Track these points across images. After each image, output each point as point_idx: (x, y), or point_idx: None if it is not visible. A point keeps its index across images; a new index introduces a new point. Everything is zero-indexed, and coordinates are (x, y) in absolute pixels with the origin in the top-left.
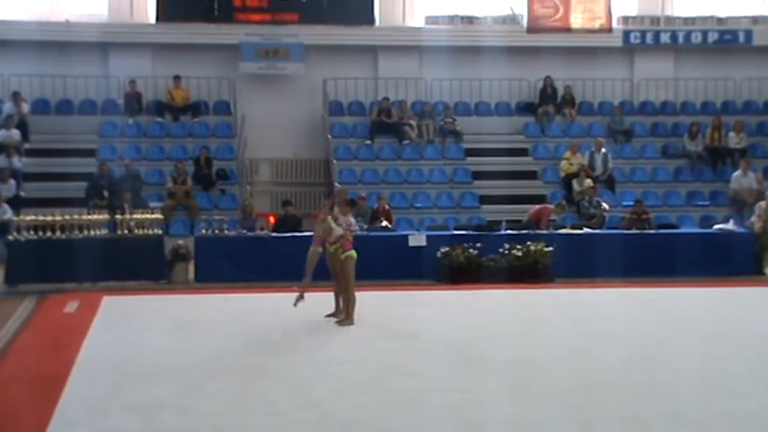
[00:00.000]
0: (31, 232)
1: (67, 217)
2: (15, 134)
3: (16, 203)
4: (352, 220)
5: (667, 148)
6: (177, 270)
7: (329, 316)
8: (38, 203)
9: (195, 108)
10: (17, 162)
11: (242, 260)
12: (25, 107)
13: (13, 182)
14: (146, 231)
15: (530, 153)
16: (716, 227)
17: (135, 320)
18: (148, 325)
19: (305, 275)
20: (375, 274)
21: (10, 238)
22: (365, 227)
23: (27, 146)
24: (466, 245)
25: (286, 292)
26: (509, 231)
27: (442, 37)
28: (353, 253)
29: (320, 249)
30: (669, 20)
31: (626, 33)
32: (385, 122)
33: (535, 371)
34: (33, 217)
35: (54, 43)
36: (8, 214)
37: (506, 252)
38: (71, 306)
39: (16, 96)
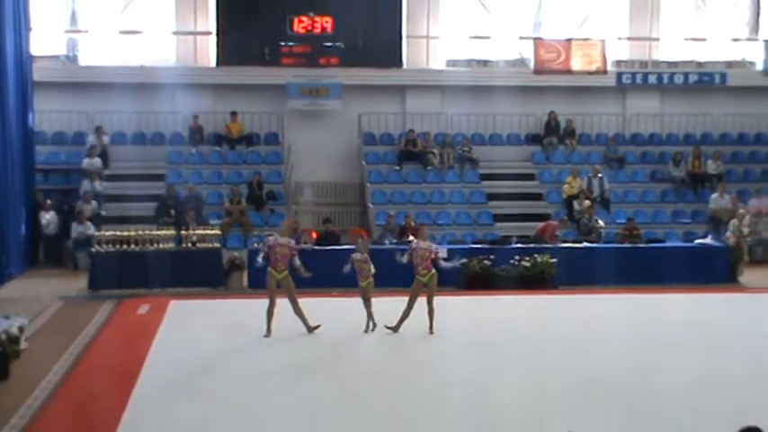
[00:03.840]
0: (110, 245)
1: (140, 232)
2: (97, 162)
3: (98, 221)
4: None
5: (655, 173)
6: (233, 278)
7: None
8: (116, 221)
9: (249, 139)
10: (98, 186)
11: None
12: (106, 139)
13: (95, 203)
14: (206, 245)
15: (536, 177)
16: (697, 241)
17: (197, 321)
18: (209, 325)
19: None
20: (402, 283)
21: (92, 250)
22: (394, 241)
23: (107, 172)
24: (481, 257)
25: (326, 297)
26: (519, 245)
27: (461, 78)
28: (434, 271)
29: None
30: (656, 63)
31: (619, 75)
32: (411, 151)
33: (542, 367)
34: (112, 232)
35: (130, 84)
36: (91, 230)
37: (516, 263)
38: (143, 309)
39: (98, 130)
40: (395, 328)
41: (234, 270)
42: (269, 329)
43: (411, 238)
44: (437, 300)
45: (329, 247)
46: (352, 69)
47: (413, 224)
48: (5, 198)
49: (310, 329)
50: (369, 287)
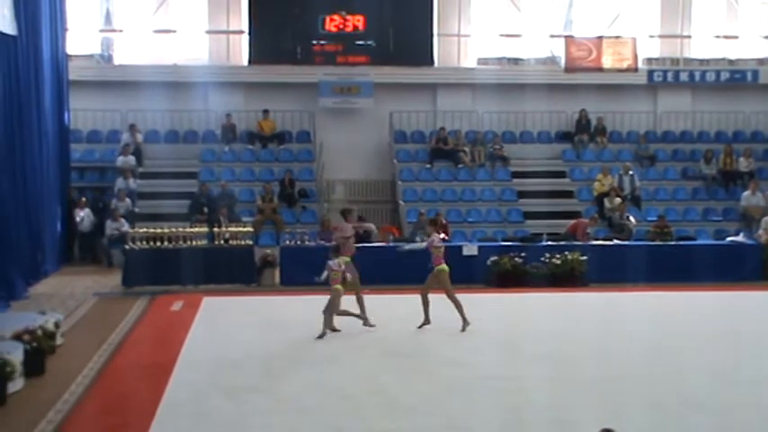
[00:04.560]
0: (144, 243)
1: (174, 230)
2: (131, 160)
3: (132, 218)
4: (435, 237)
5: (686, 171)
6: (265, 275)
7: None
8: (149, 218)
9: (281, 137)
10: (132, 183)
11: (320, 267)
12: (139, 137)
13: (128, 200)
14: (239, 242)
15: (567, 175)
16: (728, 239)
17: (230, 318)
18: (241, 321)
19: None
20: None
21: (126, 247)
22: (425, 239)
23: (141, 169)
24: (512, 254)
25: (354, 295)
26: (549, 243)
27: (492, 76)
28: (445, 266)
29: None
30: (687, 61)
31: (650, 72)
32: (442, 149)
33: (571, 363)
34: (146, 230)
35: (164, 83)
36: (125, 227)
37: (547, 260)
38: (177, 305)
39: (132, 128)
40: (426, 322)
41: (266, 267)
42: (367, 319)
43: (442, 235)
44: (467, 296)
45: (360, 245)
46: (383, 67)
47: (444, 222)
48: (41, 195)
49: (333, 326)
50: (336, 294)
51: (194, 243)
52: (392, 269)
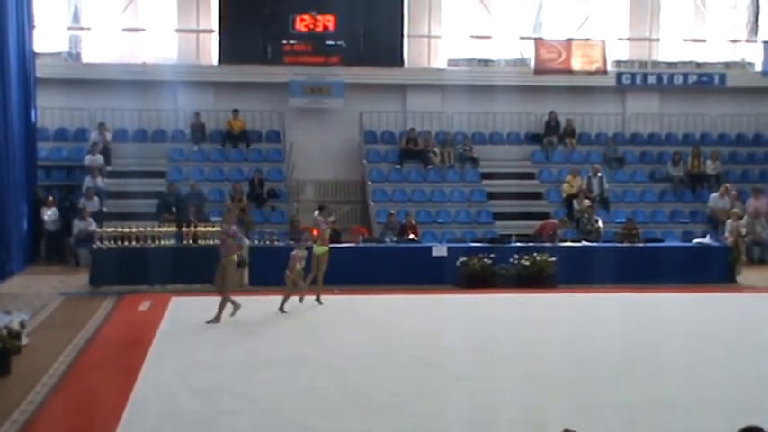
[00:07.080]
0: (112, 242)
1: (142, 229)
2: (99, 159)
3: (99, 217)
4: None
5: (654, 173)
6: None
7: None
8: (117, 217)
9: (250, 137)
10: (100, 182)
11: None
12: (108, 136)
13: (96, 199)
14: (207, 242)
15: (536, 177)
16: (695, 241)
17: (198, 318)
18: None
19: None
20: (403, 280)
21: (94, 246)
22: (395, 239)
23: (109, 168)
24: (481, 255)
25: (328, 295)
26: (518, 244)
27: (462, 77)
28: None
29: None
30: (655, 64)
31: (619, 75)
32: (412, 150)
33: (541, 363)
34: (114, 229)
35: (132, 82)
36: (93, 226)
37: (516, 261)
38: (144, 305)
39: (101, 127)
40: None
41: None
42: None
43: (412, 236)
44: (437, 297)
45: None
46: (353, 68)
47: (413, 222)
48: (7, 194)
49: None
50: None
51: (162, 243)
52: (363, 269)
